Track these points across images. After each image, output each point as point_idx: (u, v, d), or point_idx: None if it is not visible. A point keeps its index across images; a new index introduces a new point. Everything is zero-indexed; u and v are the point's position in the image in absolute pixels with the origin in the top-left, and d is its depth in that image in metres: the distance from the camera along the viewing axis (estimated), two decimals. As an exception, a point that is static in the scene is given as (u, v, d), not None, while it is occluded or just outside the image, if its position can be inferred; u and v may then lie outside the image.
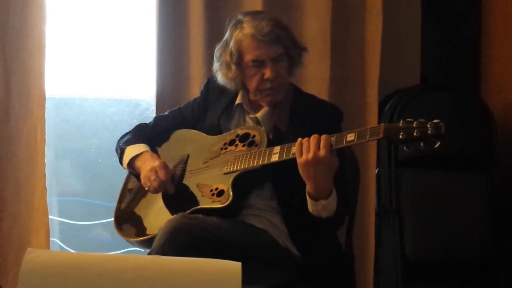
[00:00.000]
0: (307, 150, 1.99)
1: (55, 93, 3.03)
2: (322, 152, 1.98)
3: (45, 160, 2.82)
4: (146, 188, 2.27)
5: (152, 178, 2.22)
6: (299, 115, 2.25)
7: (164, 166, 2.24)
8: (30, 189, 2.81)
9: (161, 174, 2.21)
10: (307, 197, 2.07)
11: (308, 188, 2.05)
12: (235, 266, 1.57)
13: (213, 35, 2.84)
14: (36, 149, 2.81)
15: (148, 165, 2.26)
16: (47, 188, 2.82)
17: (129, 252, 3.08)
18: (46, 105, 2.82)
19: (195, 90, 2.89)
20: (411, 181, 3.02)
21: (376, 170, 3.02)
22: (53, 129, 3.06)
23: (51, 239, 2.85)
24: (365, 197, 2.95)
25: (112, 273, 1.55)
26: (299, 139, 2.03)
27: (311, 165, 1.99)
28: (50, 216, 2.85)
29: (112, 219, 2.38)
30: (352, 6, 3.01)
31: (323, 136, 2.00)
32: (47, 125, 2.84)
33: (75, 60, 3.10)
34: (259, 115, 2.27)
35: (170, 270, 1.58)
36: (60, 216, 3.14)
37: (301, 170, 2.02)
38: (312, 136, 2.01)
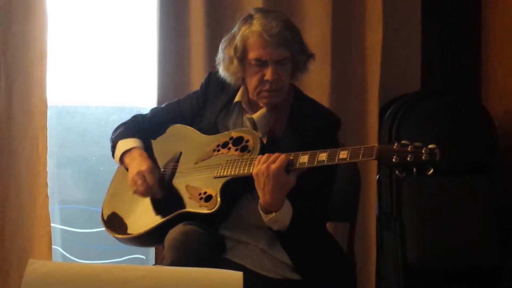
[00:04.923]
0: (263, 161, 2.03)
1: (57, 101, 3.03)
2: (274, 166, 2.01)
3: (47, 168, 2.82)
4: (132, 191, 2.26)
5: (139, 182, 2.22)
6: (297, 121, 2.22)
7: (151, 170, 2.24)
8: (32, 197, 2.80)
9: (149, 179, 2.22)
10: (258, 208, 2.08)
11: (260, 199, 2.07)
12: (237, 276, 1.58)
13: (215, 43, 2.84)
14: (38, 157, 2.80)
15: (136, 166, 2.25)
16: (49, 196, 2.82)
17: (131, 260, 3.09)
18: (48, 114, 2.82)
19: (196, 98, 2.90)
20: (412, 186, 3.01)
21: (377, 176, 3.01)
22: (55, 138, 3.06)
23: (53, 247, 2.85)
24: (366, 202, 2.95)
25: (114, 284, 1.55)
26: (266, 154, 2.06)
27: (262, 177, 2.02)
28: (52, 224, 2.85)
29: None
30: (353, 12, 3.02)
31: (282, 155, 2.03)
32: (49, 134, 2.84)
33: (77, 69, 3.10)
34: (255, 116, 2.24)
35: (171, 280, 1.58)
36: (62, 224, 3.14)
37: (255, 180, 2.05)
38: (275, 154, 2.04)
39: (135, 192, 2.25)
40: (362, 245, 2.92)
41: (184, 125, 2.37)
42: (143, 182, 2.22)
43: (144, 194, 2.24)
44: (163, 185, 2.27)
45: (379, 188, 3.03)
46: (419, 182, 3.01)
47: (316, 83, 2.93)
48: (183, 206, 2.17)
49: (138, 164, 2.26)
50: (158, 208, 2.23)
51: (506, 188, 3.07)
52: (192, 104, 2.39)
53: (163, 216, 2.19)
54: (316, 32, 2.95)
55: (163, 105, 2.51)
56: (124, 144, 2.34)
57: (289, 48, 2.17)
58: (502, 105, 3.22)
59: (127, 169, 2.34)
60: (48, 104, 2.83)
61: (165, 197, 2.24)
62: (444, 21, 3.35)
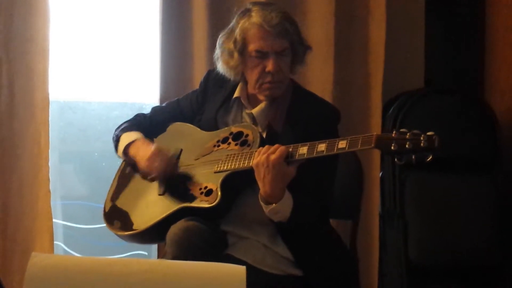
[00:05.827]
0: (263, 152, 2.04)
1: (59, 96, 3.03)
2: (273, 156, 2.02)
3: (49, 164, 2.82)
4: (149, 176, 2.25)
5: (156, 163, 2.21)
6: (296, 114, 2.22)
7: (160, 149, 2.24)
8: (34, 193, 2.80)
9: (162, 157, 2.22)
10: (259, 199, 2.08)
11: (260, 190, 2.07)
12: (240, 270, 1.57)
13: (217, 39, 2.85)
14: (40, 152, 2.80)
15: (144, 152, 2.24)
16: (51, 191, 2.82)
17: (133, 256, 3.09)
18: (50, 109, 2.82)
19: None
20: (415, 184, 3.01)
21: (380, 173, 3.01)
22: (57, 133, 3.07)
23: (55, 242, 2.85)
24: (369, 200, 2.95)
25: (117, 277, 1.55)
26: (266, 146, 2.06)
27: (262, 167, 2.03)
28: (54, 220, 2.84)
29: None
30: (356, 9, 3.02)
31: (282, 146, 2.04)
32: (51, 129, 2.84)
33: (79, 64, 3.10)
34: (255, 111, 2.24)
35: (174, 274, 1.57)
36: (64, 220, 3.14)
37: (255, 171, 2.05)
38: (275, 145, 2.05)
39: (153, 177, 2.24)
40: (365, 242, 2.92)
41: (184, 123, 2.38)
42: (160, 160, 2.21)
43: (160, 173, 2.23)
44: (163, 182, 2.27)
45: (382, 186, 3.03)
46: (422, 180, 3.01)
47: (320, 80, 2.94)
48: (184, 202, 2.17)
49: (145, 150, 2.26)
50: (159, 204, 2.23)
51: (508, 187, 3.06)
52: (191, 102, 2.40)
53: (165, 212, 2.19)
54: (320, 29, 2.95)
55: (163, 104, 2.52)
56: (127, 137, 2.34)
57: (289, 39, 2.18)
58: (505, 103, 3.21)
59: (130, 163, 2.34)
60: (50, 99, 2.82)
61: (166, 193, 2.24)
62: (448, 19, 3.35)
